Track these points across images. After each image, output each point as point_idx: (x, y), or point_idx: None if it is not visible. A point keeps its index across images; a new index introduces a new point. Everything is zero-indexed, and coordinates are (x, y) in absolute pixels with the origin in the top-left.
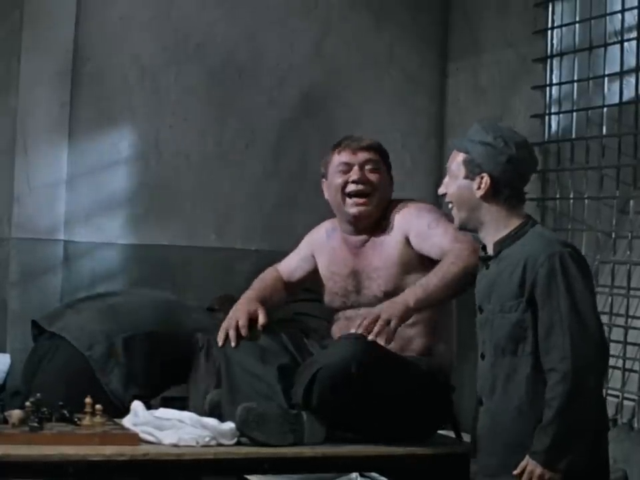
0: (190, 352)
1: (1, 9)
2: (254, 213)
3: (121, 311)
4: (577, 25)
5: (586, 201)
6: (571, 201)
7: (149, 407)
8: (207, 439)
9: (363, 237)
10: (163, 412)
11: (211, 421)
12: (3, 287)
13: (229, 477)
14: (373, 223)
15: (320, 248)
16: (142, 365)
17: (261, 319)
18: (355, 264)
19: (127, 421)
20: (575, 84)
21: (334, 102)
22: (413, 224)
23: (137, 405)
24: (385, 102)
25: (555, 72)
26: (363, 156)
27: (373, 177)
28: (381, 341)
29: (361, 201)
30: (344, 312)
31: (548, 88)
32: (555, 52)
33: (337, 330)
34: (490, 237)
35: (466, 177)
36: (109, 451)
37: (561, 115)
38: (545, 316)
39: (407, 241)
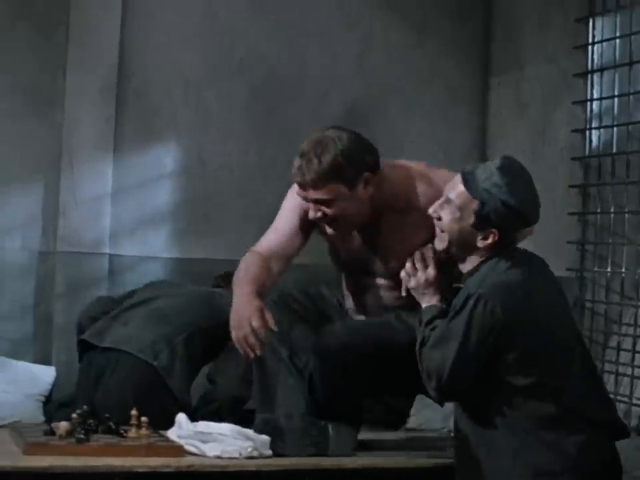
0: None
1: (47, 24)
2: None
3: (170, 314)
4: (617, 41)
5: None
6: (612, 215)
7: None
8: (250, 450)
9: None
10: (204, 425)
11: (252, 432)
12: (49, 300)
13: None
14: (378, 206)
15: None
16: (202, 361)
17: (270, 322)
18: (367, 239)
19: (171, 433)
20: (616, 99)
21: (376, 115)
22: None
23: (181, 418)
24: (427, 115)
25: (595, 87)
26: (311, 194)
27: (328, 210)
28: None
29: (329, 229)
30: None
31: (589, 103)
32: (595, 67)
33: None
34: (464, 270)
35: (473, 226)
36: (154, 462)
37: (601, 130)
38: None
39: None
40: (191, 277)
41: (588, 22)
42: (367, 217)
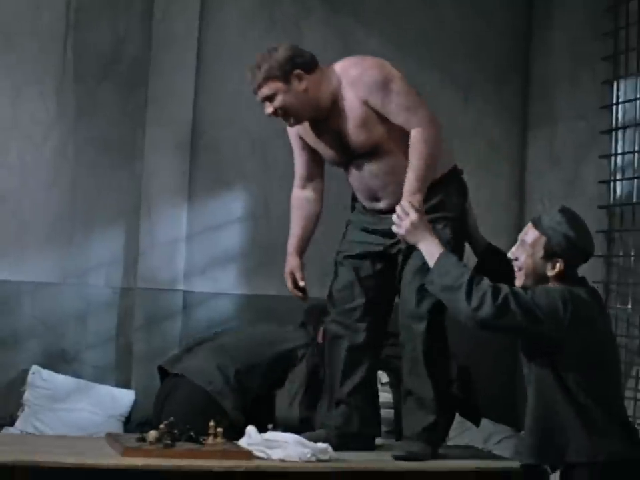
0: (288, 364)
1: (129, 86)
2: None
3: (230, 349)
4: (639, 101)
5: None
6: (632, 258)
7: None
8: (308, 455)
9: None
10: (271, 434)
11: (311, 441)
12: (129, 332)
13: None
14: (322, 105)
15: (298, 134)
16: (252, 389)
17: (299, 282)
18: (328, 134)
19: (242, 442)
20: (637, 154)
21: None
22: (369, 99)
23: (250, 430)
24: (470, 169)
25: (619, 142)
26: (259, 94)
27: (275, 104)
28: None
29: (289, 123)
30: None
31: (613, 157)
32: (619, 125)
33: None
34: None
35: (542, 258)
36: (228, 463)
37: (624, 182)
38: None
39: (367, 105)
40: (256, 312)
41: (613, 84)
42: (312, 110)
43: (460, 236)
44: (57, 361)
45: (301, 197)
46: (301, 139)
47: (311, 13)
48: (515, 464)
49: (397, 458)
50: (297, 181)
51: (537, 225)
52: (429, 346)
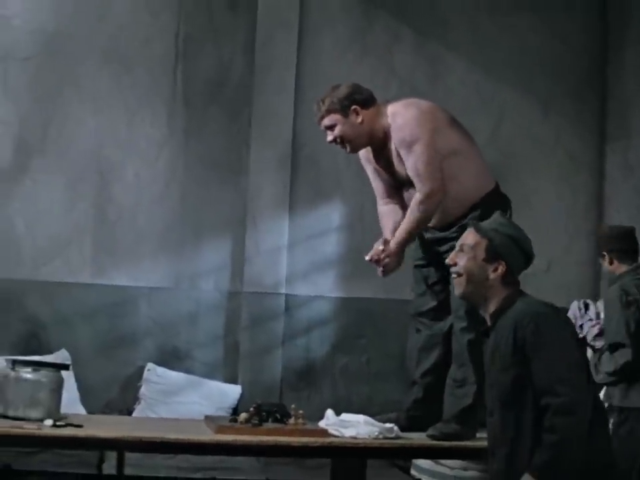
0: None
1: (234, 108)
2: None
3: None
4: None
5: None
6: None
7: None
8: (376, 433)
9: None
10: (346, 416)
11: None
12: (236, 332)
13: (389, 459)
14: (375, 137)
15: (368, 159)
16: None
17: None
18: (383, 163)
19: (321, 423)
20: None
21: (508, 178)
22: (398, 149)
23: (329, 413)
24: (552, 179)
25: None
26: (322, 125)
27: (334, 133)
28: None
29: (346, 149)
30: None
31: None
32: None
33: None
34: (489, 311)
35: (484, 260)
36: (306, 440)
37: None
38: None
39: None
40: (353, 313)
41: None
42: (367, 141)
43: None
44: (170, 359)
45: (384, 211)
46: (368, 162)
47: (401, 40)
48: None
49: (431, 437)
50: (378, 200)
51: (477, 228)
52: (470, 340)
